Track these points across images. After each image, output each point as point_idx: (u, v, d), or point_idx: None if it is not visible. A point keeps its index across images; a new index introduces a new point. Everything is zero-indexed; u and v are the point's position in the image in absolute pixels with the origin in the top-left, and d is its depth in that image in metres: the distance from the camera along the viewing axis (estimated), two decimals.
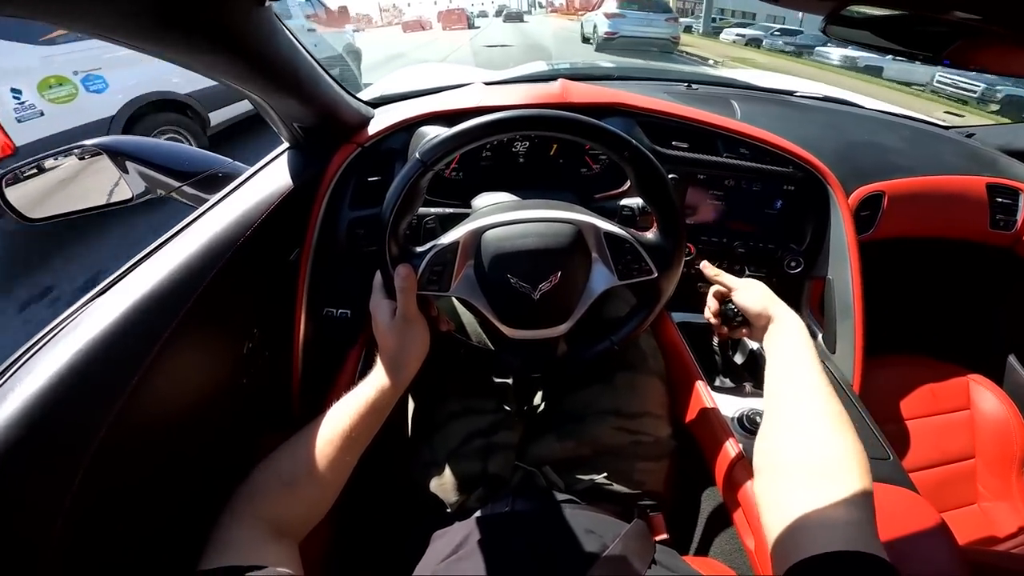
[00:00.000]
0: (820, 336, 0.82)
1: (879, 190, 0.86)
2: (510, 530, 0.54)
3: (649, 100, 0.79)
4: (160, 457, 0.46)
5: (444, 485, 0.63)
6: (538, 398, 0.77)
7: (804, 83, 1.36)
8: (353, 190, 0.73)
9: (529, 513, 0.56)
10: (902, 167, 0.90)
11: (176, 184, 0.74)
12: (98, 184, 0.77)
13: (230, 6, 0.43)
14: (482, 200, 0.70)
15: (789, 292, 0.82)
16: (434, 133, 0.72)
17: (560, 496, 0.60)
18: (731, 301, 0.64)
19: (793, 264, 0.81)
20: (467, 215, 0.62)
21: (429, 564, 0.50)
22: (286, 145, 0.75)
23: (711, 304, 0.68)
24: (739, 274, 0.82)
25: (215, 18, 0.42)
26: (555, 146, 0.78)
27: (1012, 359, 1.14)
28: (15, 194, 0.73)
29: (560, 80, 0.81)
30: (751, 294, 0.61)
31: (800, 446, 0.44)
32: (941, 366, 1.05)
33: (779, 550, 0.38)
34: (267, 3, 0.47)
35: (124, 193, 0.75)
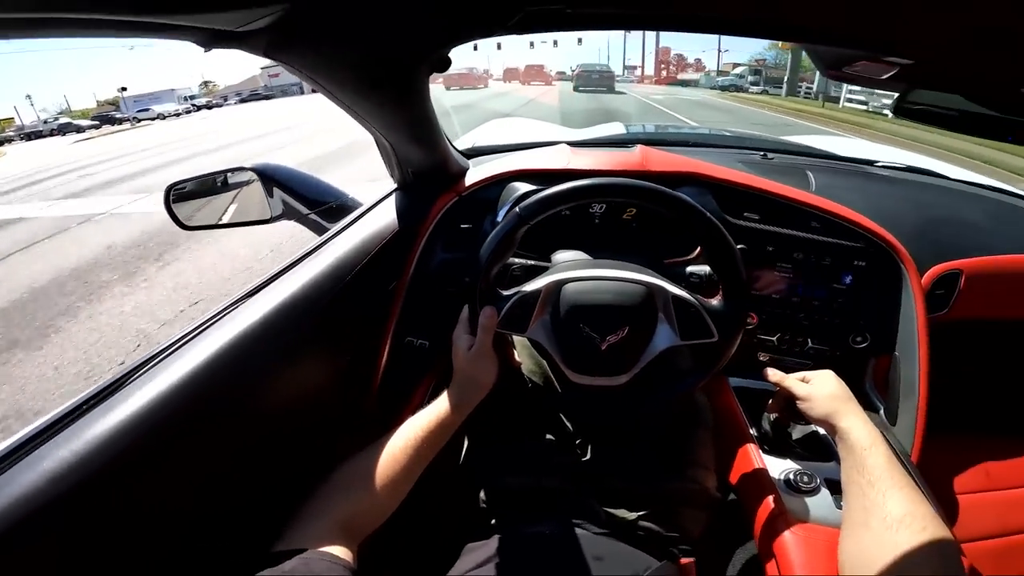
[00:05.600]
0: (881, 410, 0.81)
1: (956, 268, 0.84)
2: (539, 552, 0.58)
3: (724, 170, 0.83)
4: (267, 443, 0.56)
5: (494, 499, 0.69)
6: (594, 434, 0.82)
7: (886, 151, 1.34)
8: (446, 234, 0.84)
9: (562, 537, 0.59)
10: (983, 245, 0.88)
11: (305, 211, 0.89)
12: (245, 203, 0.94)
13: (418, 75, 0.56)
14: (561, 256, 0.75)
15: (852, 366, 0.82)
16: (524, 189, 0.80)
17: (597, 527, 0.63)
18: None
19: (859, 340, 0.81)
20: (547, 268, 0.69)
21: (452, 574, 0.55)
22: (395, 186, 0.87)
23: (774, 408, 0.68)
24: (802, 346, 0.83)
25: (406, 84, 0.56)
26: (631, 211, 0.83)
27: None
28: (178, 206, 0.91)
29: (639, 146, 0.88)
30: (817, 404, 0.60)
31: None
32: (1008, 444, 0.97)
33: None
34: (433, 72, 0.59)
35: (264, 213, 0.91)
